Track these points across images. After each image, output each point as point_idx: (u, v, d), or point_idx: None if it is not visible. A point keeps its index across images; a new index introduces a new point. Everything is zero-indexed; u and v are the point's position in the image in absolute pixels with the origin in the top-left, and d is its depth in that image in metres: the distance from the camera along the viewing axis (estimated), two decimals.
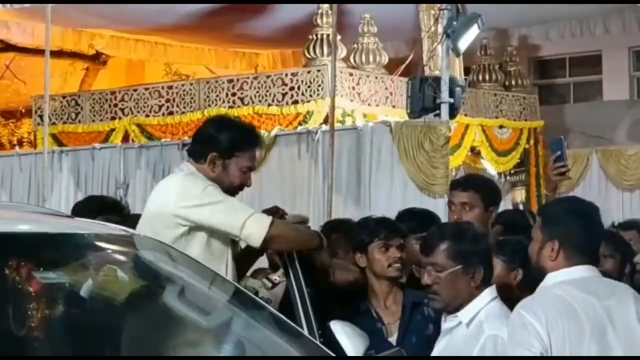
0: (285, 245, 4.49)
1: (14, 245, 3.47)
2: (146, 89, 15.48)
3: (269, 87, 14.14)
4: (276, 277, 5.19)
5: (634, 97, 18.17)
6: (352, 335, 3.90)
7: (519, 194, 16.35)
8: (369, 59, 14.52)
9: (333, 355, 3.70)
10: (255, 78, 14.56)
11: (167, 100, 15.01)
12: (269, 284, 5.33)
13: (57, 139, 15.57)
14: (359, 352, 3.83)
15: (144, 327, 3.72)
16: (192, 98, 14.79)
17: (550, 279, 3.80)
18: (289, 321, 3.93)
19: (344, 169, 12.33)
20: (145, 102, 15.17)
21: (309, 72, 13.92)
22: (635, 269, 5.88)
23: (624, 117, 17.43)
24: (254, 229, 4.35)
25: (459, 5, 12.24)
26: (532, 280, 3.96)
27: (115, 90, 15.95)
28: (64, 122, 15.81)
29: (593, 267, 3.86)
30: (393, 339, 4.63)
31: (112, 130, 15.35)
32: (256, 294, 5.00)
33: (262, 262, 5.59)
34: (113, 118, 15.45)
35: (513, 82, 16.99)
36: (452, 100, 11.91)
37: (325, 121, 12.78)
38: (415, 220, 5.46)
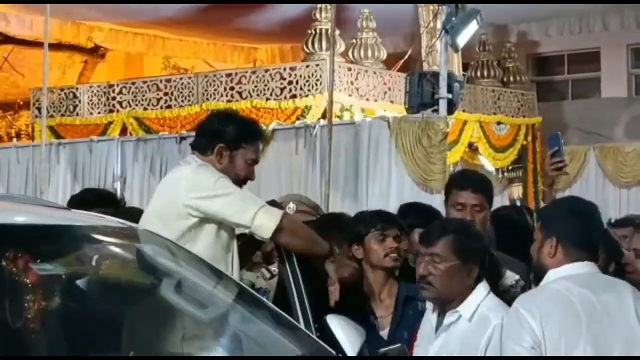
0: (293, 240, 4.48)
1: (11, 236, 3.47)
2: (144, 82, 15.46)
3: (267, 82, 14.13)
4: (275, 268, 5.19)
5: (632, 95, 18.17)
6: (349, 329, 3.90)
7: (516, 190, 16.37)
8: (367, 54, 14.51)
9: (329, 349, 3.70)
10: (254, 72, 14.54)
11: (165, 94, 15.00)
12: (268, 275, 5.34)
13: (54, 132, 15.55)
14: (355, 347, 3.83)
15: (141, 320, 3.72)
16: (190, 92, 14.77)
17: (551, 275, 3.84)
18: (285, 315, 3.93)
19: (342, 164, 12.32)
20: (144, 95, 15.15)
21: (307, 66, 13.91)
22: (621, 268, 5.89)
23: (621, 114, 17.44)
24: (265, 221, 4.36)
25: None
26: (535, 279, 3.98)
27: (113, 83, 15.93)
28: (62, 115, 15.79)
29: (592, 263, 3.90)
30: (384, 333, 4.63)
31: (110, 123, 15.34)
32: (252, 287, 5.01)
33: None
34: (111, 111, 15.44)
35: (511, 79, 16.99)
36: (450, 95, 11.91)
37: (323, 116, 12.77)
38: (418, 215, 5.46)
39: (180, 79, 15.25)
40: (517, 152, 16.29)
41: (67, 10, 15.53)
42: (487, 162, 15.53)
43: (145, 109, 15.09)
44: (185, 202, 4.33)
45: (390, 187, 12.03)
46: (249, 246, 4.74)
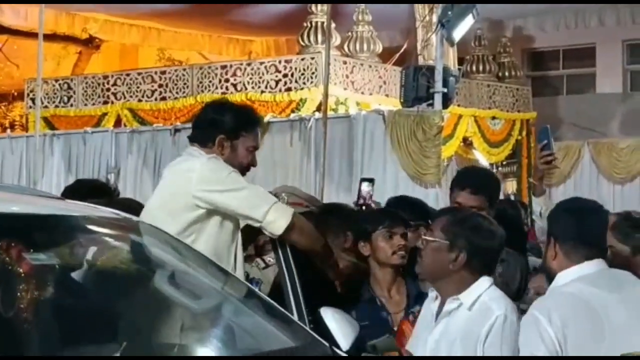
0: (302, 239, 4.51)
1: (4, 226, 3.45)
2: (139, 73, 15.45)
3: (263, 74, 14.12)
4: (270, 258, 5.19)
5: (627, 90, 18.20)
6: (342, 322, 3.89)
7: (511, 185, 16.39)
8: (363, 47, 14.51)
9: (323, 341, 3.69)
10: (249, 64, 14.54)
11: (160, 86, 14.99)
12: (262, 264, 5.34)
13: (49, 123, 15.54)
14: (349, 340, 3.82)
15: (134, 311, 3.71)
16: (185, 83, 14.76)
17: (561, 279, 3.77)
18: (279, 307, 3.92)
19: (336, 157, 12.32)
20: (138, 87, 15.14)
21: (302, 59, 13.90)
22: None
23: (616, 110, 17.46)
24: (277, 218, 4.39)
25: None
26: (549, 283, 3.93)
27: (107, 74, 15.92)
28: (56, 106, 15.78)
29: (599, 261, 3.81)
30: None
31: (104, 114, 15.33)
32: (247, 277, 4.99)
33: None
34: (105, 102, 15.43)
35: (506, 74, 17.01)
36: (445, 90, 11.91)
37: (318, 109, 12.77)
38: (405, 209, 5.46)
39: (175, 70, 15.24)
40: (512, 147, 16.31)
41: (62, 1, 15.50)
42: (482, 157, 15.54)
43: (139, 100, 15.08)
44: (194, 194, 4.33)
45: (384, 181, 12.02)
46: (244, 239, 4.74)
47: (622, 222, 4.71)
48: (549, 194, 5.31)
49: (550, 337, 3.56)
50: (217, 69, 14.69)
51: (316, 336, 3.73)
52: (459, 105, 14.93)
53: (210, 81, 14.56)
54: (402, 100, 12.35)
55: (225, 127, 4.56)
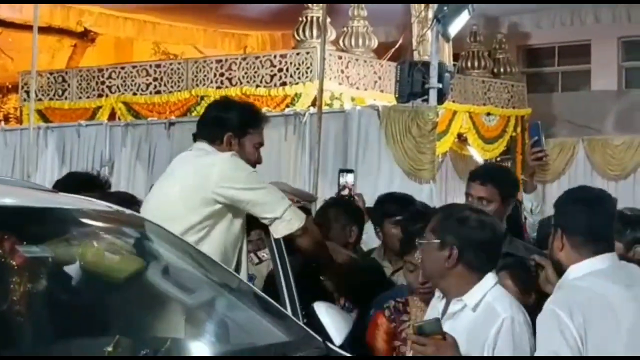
0: (311, 243, 4.59)
1: None
2: (134, 67, 15.42)
3: (258, 69, 14.10)
4: (263, 253, 5.21)
5: (622, 88, 18.20)
6: (336, 316, 3.89)
7: None
8: (358, 42, 14.50)
9: (316, 336, 3.69)
10: (244, 59, 14.52)
11: (155, 79, 14.96)
12: (256, 260, 5.35)
13: (43, 115, 15.51)
14: (342, 334, 3.82)
15: (127, 305, 3.70)
16: (180, 77, 14.74)
17: (573, 272, 3.68)
18: (273, 302, 3.92)
19: (331, 152, 12.31)
20: (133, 80, 15.11)
21: (297, 54, 13.88)
22: None
23: (611, 107, 17.46)
24: (293, 217, 4.47)
25: None
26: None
27: (102, 67, 15.89)
28: (51, 99, 15.75)
29: (611, 255, 3.74)
30: None
31: (99, 107, 15.30)
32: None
33: None
34: (100, 95, 15.40)
35: (502, 70, 17.02)
36: (440, 85, 11.90)
37: (313, 104, 12.75)
38: (393, 203, 5.49)
39: (170, 64, 15.21)
40: (506, 144, 16.33)
41: None
42: (476, 153, 15.55)
43: (134, 94, 15.06)
44: (214, 189, 4.38)
45: (379, 176, 12.02)
46: None
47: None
48: (542, 190, 5.33)
49: (572, 334, 3.48)
50: (212, 63, 14.67)
51: (309, 331, 3.73)
52: (453, 101, 14.93)
53: (205, 75, 14.54)
54: (397, 95, 12.34)
55: (233, 125, 4.63)
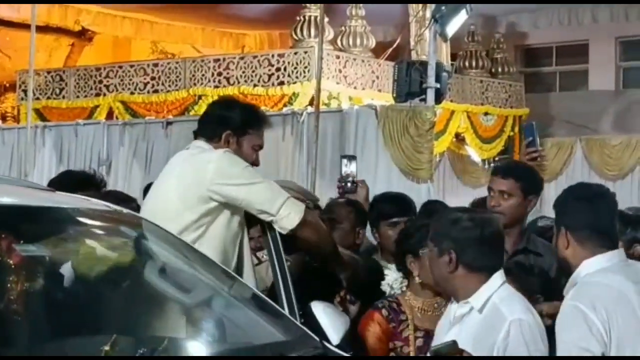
0: (313, 235, 4.53)
1: None
2: (131, 66, 15.42)
3: (255, 68, 14.10)
4: (263, 254, 5.19)
5: (620, 88, 18.20)
6: (333, 316, 3.88)
7: None
8: (356, 42, 14.50)
9: (313, 336, 3.69)
10: (242, 58, 14.52)
11: (153, 78, 14.96)
12: (255, 261, 5.33)
13: (40, 114, 15.51)
14: (339, 334, 3.81)
15: (125, 304, 3.70)
16: (177, 76, 14.74)
17: (584, 268, 3.65)
18: (270, 301, 3.92)
19: (328, 152, 12.30)
20: (130, 80, 15.11)
21: (295, 53, 13.89)
22: None
23: (609, 107, 17.46)
24: (291, 212, 4.42)
25: None
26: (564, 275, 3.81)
27: (100, 66, 15.89)
28: (48, 98, 15.74)
29: (619, 251, 3.74)
30: None
31: (96, 106, 15.30)
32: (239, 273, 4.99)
33: None
34: (97, 94, 15.40)
35: (499, 70, 17.03)
36: (438, 85, 11.90)
37: (311, 103, 12.75)
38: (389, 205, 5.47)
39: (168, 63, 15.21)
40: (504, 143, 16.33)
41: None
42: (474, 153, 15.56)
43: (132, 93, 15.06)
44: (209, 187, 4.36)
45: (376, 176, 12.01)
46: None
47: None
48: None
49: (598, 330, 3.44)
50: (210, 62, 14.67)
51: (307, 330, 3.73)
52: (451, 101, 14.93)
53: (203, 74, 14.54)
54: (394, 95, 12.34)
55: (233, 124, 4.60)
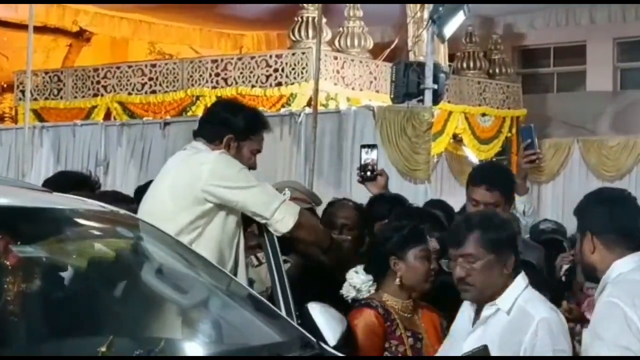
0: (308, 236, 4.60)
1: None
2: (129, 66, 15.42)
3: (253, 69, 14.10)
4: (263, 255, 5.19)
5: (617, 89, 18.21)
6: (330, 317, 3.89)
7: None
8: (354, 42, 14.51)
9: (310, 337, 3.69)
10: (240, 59, 14.52)
11: (150, 79, 14.96)
12: (255, 262, 5.33)
13: (38, 115, 15.50)
14: (336, 335, 3.81)
15: (122, 305, 3.70)
16: (175, 77, 14.74)
17: (617, 266, 3.62)
18: (266, 302, 3.93)
19: (326, 152, 12.31)
20: (128, 80, 15.11)
21: (293, 54, 13.89)
22: None
23: (606, 108, 17.47)
24: (286, 215, 4.44)
25: None
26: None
27: (98, 67, 15.89)
28: (46, 98, 15.74)
29: None
30: None
31: (94, 107, 15.30)
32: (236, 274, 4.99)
33: None
34: (95, 95, 15.40)
35: (497, 71, 17.03)
36: (435, 86, 11.89)
37: (309, 104, 12.76)
38: (384, 206, 5.47)
39: (166, 64, 15.21)
40: (502, 144, 16.34)
41: None
42: (472, 154, 15.56)
43: (129, 93, 15.06)
44: (204, 188, 4.36)
45: None
46: None
47: None
48: (537, 191, 5.33)
49: (637, 327, 3.41)
50: (207, 62, 14.67)
51: (303, 331, 3.73)
52: (449, 102, 14.93)
53: (200, 75, 14.54)
54: (392, 96, 12.34)
55: (236, 128, 4.60)
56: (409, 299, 4.39)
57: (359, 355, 4.16)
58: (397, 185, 11.43)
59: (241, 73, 14.18)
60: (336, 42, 14.43)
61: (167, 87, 14.77)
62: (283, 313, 4.10)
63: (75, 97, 15.53)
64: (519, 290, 3.85)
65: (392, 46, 15.18)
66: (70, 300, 3.59)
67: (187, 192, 4.39)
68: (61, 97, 15.64)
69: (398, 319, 4.32)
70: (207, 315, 3.82)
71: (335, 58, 13.97)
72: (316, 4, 12.85)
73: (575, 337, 4.13)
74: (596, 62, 18.09)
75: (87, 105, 15.35)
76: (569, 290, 6.10)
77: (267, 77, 13.96)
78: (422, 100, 12.01)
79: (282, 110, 13.26)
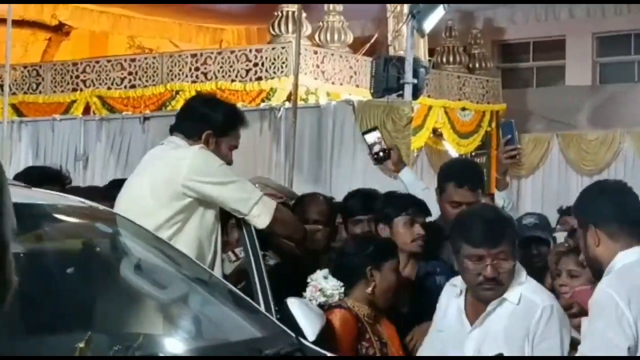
0: (285, 230, 4.67)
1: None
2: (108, 61, 15.38)
3: (233, 63, 14.09)
4: (240, 251, 5.19)
5: (596, 83, 18.29)
6: (309, 313, 3.89)
7: None
8: (333, 37, 14.50)
9: (289, 332, 3.69)
10: (219, 53, 14.49)
11: (130, 73, 14.91)
12: (233, 257, 5.33)
13: (17, 110, 15.43)
14: (315, 330, 3.81)
15: (100, 300, 3.69)
16: (154, 72, 14.70)
17: (620, 259, 3.56)
18: (246, 297, 3.92)
19: (306, 147, 12.31)
20: (108, 75, 15.06)
21: (273, 48, 13.88)
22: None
23: (585, 102, 17.54)
24: (262, 212, 4.46)
25: None
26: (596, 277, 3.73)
27: (77, 61, 15.83)
28: (25, 93, 15.68)
29: None
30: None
31: (73, 101, 15.25)
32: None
33: None
34: (74, 89, 15.34)
35: (477, 65, 17.07)
36: (415, 81, 11.91)
37: (289, 98, 12.75)
38: (358, 202, 5.47)
39: (145, 58, 15.16)
40: (481, 139, 16.38)
41: None
42: (451, 148, 15.58)
43: (109, 88, 15.01)
44: (183, 183, 4.36)
45: (353, 171, 12.02)
46: None
47: None
48: (517, 185, 5.35)
49: (629, 322, 3.37)
50: (187, 57, 14.64)
51: (282, 327, 3.73)
52: (429, 96, 14.96)
53: (180, 69, 14.51)
54: (372, 90, 12.35)
55: (215, 124, 4.60)
56: (372, 308, 4.43)
57: (337, 352, 4.16)
58: (377, 180, 11.43)
59: (221, 67, 14.16)
60: (316, 37, 14.43)
61: (146, 81, 14.73)
62: (262, 308, 4.09)
63: (54, 92, 15.47)
64: (522, 282, 3.90)
65: (372, 41, 15.19)
66: (48, 296, 3.57)
67: (167, 188, 4.38)
68: (40, 92, 15.58)
69: (367, 323, 4.37)
70: (186, 310, 3.82)
71: (315, 52, 13.97)
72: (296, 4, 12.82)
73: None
74: (575, 56, 18.16)
75: (66, 99, 15.30)
76: None
77: (247, 71, 13.95)
78: (402, 95, 12.02)
79: (262, 105, 13.25)
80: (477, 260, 3.85)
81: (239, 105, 13.02)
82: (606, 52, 18.34)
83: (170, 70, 14.56)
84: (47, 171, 5.92)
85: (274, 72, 13.71)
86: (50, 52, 18.93)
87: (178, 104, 13.58)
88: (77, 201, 3.99)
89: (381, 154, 5.72)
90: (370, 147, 5.73)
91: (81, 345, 2.98)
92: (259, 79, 13.81)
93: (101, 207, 4.10)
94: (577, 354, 3.53)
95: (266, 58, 13.82)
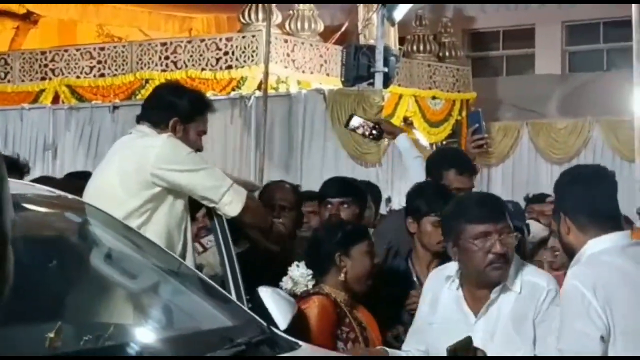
0: (254, 219, 4.63)
1: None
2: (77, 49, 15.29)
3: (203, 52, 14.04)
4: (208, 241, 5.18)
5: (566, 72, 18.37)
6: (280, 301, 3.88)
7: None
8: (304, 26, 14.48)
9: (260, 321, 3.68)
10: (189, 42, 14.45)
11: (99, 62, 14.84)
12: (200, 248, 5.31)
13: None
14: (286, 319, 3.81)
15: (70, 290, 3.66)
16: (124, 60, 14.63)
17: (590, 247, 3.53)
18: (217, 286, 3.91)
19: (277, 136, 12.30)
20: (76, 63, 14.97)
21: (243, 37, 13.85)
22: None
23: (555, 91, 17.62)
24: (233, 200, 4.44)
25: None
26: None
27: (45, 50, 15.73)
28: None
29: (624, 232, 3.63)
30: None
31: (42, 90, 15.16)
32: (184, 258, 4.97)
33: None
34: (43, 78, 15.25)
35: (447, 54, 17.10)
36: (386, 69, 11.93)
37: (259, 87, 12.73)
38: (334, 187, 5.47)
39: (114, 47, 15.09)
40: (452, 127, 16.42)
41: None
42: (422, 137, 15.61)
43: (78, 77, 14.93)
44: (152, 172, 4.33)
45: (324, 160, 12.03)
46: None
47: None
48: (487, 173, 5.38)
49: (597, 312, 3.36)
50: (157, 45, 14.58)
51: (254, 315, 3.72)
52: (399, 85, 14.97)
53: (150, 58, 14.45)
54: (342, 79, 12.36)
55: (182, 111, 4.58)
56: (348, 294, 4.42)
57: (310, 340, 4.16)
58: (349, 169, 11.47)
59: (191, 56, 14.11)
60: (286, 25, 14.40)
61: (116, 70, 14.66)
62: (233, 297, 4.08)
63: (23, 81, 15.38)
64: (520, 265, 3.88)
65: (343, 29, 15.19)
66: (17, 286, 3.54)
67: (135, 177, 4.36)
68: (8, 81, 15.47)
69: (345, 307, 4.36)
70: (157, 299, 3.80)
71: (286, 41, 13.94)
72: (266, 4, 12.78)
73: None
74: (545, 45, 18.24)
75: (34, 88, 15.21)
76: None
77: (217, 60, 13.91)
78: (372, 84, 12.04)
79: (232, 94, 13.22)
80: (484, 237, 3.78)
81: (209, 94, 13.03)
82: (576, 40, 18.42)
83: (140, 59, 14.50)
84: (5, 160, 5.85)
85: (244, 61, 13.68)
86: (18, 40, 18.78)
87: (148, 92, 13.39)
88: (46, 190, 3.96)
89: (374, 131, 5.73)
90: (363, 131, 5.74)
91: (51, 335, 2.96)
92: (229, 67, 13.77)
93: (70, 196, 4.07)
94: (552, 347, 3.55)
95: (236, 47, 13.79)
